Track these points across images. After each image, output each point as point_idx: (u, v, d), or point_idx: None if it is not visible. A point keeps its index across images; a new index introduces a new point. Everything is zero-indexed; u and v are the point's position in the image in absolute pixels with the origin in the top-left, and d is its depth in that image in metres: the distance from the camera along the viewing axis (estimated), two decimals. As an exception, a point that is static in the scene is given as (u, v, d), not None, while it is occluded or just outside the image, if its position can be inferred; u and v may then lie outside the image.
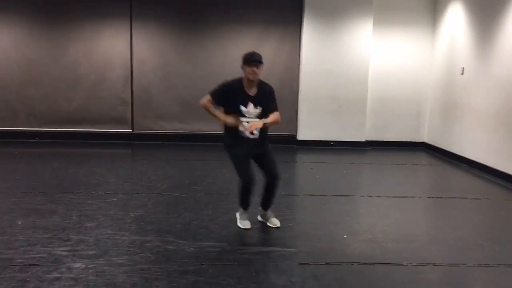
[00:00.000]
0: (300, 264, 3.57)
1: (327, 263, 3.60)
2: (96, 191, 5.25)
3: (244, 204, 4.31)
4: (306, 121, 8.68)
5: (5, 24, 8.24)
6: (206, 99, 4.16)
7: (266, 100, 4.10)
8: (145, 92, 8.64)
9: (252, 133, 4.04)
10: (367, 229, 4.39)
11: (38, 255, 3.52)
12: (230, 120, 4.07)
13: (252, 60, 4.00)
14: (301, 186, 6.29)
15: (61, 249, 3.65)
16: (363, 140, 8.78)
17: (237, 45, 8.64)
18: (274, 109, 4.12)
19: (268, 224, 4.33)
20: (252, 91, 4.09)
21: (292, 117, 8.86)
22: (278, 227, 4.27)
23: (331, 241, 4.07)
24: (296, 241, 4.04)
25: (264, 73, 8.57)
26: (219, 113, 4.13)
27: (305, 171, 7.07)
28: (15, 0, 8.20)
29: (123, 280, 3.19)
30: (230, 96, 4.08)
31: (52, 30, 8.37)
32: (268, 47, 8.64)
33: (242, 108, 4.05)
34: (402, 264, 3.62)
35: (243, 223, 4.27)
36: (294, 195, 5.60)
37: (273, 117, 4.06)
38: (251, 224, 4.29)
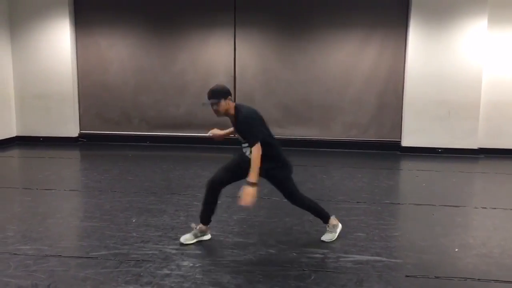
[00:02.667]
0: (406, 276, 3.40)
1: (436, 277, 3.39)
2: (201, 193, 5.39)
3: (202, 215, 3.96)
4: (411, 126, 8.30)
5: (122, 37, 8.94)
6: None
7: (242, 131, 3.73)
8: (247, 98, 8.84)
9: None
10: (481, 243, 4.07)
11: (150, 252, 3.74)
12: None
13: (207, 100, 3.69)
14: (406, 194, 6.02)
15: (170, 247, 3.85)
16: (475, 147, 8.18)
17: (339, 50, 8.55)
18: (251, 143, 3.61)
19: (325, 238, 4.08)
20: (231, 119, 3.83)
21: (396, 123, 8.54)
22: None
23: (441, 253, 3.83)
24: (402, 251, 3.86)
25: (367, 77, 8.56)
26: None
27: (410, 179, 6.75)
28: (129, 14, 8.87)
29: (228, 281, 3.28)
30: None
31: (162, 40, 8.91)
32: (371, 50, 8.44)
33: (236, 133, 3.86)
34: (523, 284, 3.30)
35: (184, 237, 3.93)
36: (398, 203, 5.37)
37: (252, 163, 3.55)
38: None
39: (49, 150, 8.27)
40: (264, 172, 3.73)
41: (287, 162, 3.96)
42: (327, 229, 4.11)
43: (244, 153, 3.84)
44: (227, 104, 3.71)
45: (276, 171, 3.85)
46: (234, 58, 8.71)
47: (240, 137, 3.82)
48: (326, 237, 4.07)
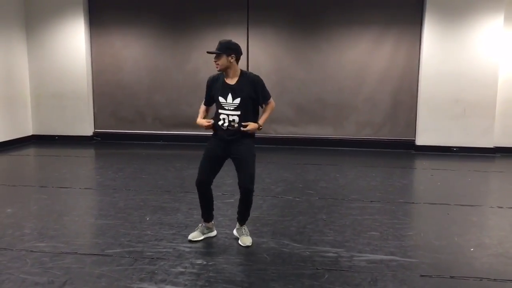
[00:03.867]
0: (421, 276, 3.38)
1: (451, 277, 3.36)
2: (214, 192, 5.44)
3: (202, 213, 4.01)
4: (426, 125, 8.22)
5: (136, 36, 9.00)
6: (200, 109, 4.04)
7: (250, 92, 3.76)
8: (260, 97, 8.85)
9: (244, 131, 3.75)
10: (497, 243, 4.02)
11: (164, 250, 3.76)
12: (201, 122, 3.90)
13: (212, 50, 3.75)
14: (420, 193, 5.97)
15: (184, 245, 3.87)
16: (491, 146, 8.07)
17: (352, 48, 8.50)
18: (266, 98, 3.88)
19: (239, 242, 3.90)
20: (232, 81, 3.79)
21: (410, 121, 8.47)
22: (247, 246, 3.83)
23: (456, 253, 3.80)
24: (416, 251, 3.83)
25: (381, 75, 8.52)
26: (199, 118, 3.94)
27: (425, 178, 6.69)
28: (143, 14, 8.92)
29: (241, 279, 3.29)
30: (212, 87, 3.87)
31: (175, 39, 8.95)
32: (385, 49, 8.38)
33: (221, 98, 3.78)
34: (540, 284, 3.26)
35: (191, 234, 3.98)
36: (413, 203, 5.32)
37: (268, 111, 3.93)
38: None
39: (65, 149, 8.37)
40: (237, 140, 3.78)
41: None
42: (246, 231, 3.99)
43: (222, 127, 3.79)
44: (228, 62, 3.73)
45: (248, 142, 3.84)
46: (247, 57, 8.71)
47: (232, 99, 3.74)
48: (247, 240, 3.90)
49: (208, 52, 3.84)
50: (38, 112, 9.16)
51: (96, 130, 9.26)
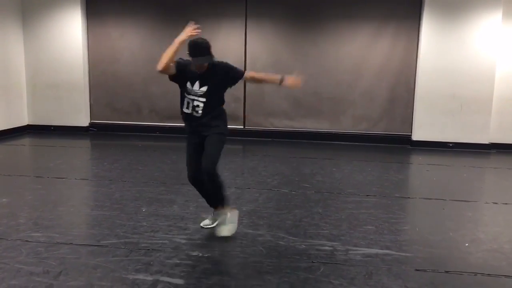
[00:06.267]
0: (416, 270, 3.39)
1: (446, 271, 3.38)
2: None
3: (206, 201, 4.09)
4: (422, 120, 8.23)
5: (133, 27, 8.94)
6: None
7: (220, 79, 3.78)
8: (257, 90, 8.84)
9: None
10: (492, 238, 4.04)
11: (160, 241, 3.76)
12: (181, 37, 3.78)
13: (192, 58, 3.67)
14: (416, 188, 5.99)
15: (180, 237, 3.87)
16: (486, 142, 8.10)
17: (350, 42, 8.49)
18: (241, 74, 3.87)
19: (219, 232, 3.85)
20: (200, 70, 3.76)
21: (407, 116, 8.48)
22: (225, 236, 3.81)
23: (451, 248, 3.81)
24: (411, 245, 3.84)
25: (378, 70, 8.52)
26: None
27: (420, 173, 6.71)
28: (140, 5, 8.85)
29: (237, 271, 3.29)
30: (182, 71, 3.80)
31: (173, 31, 8.58)
32: (382, 43, 8.37)
33: (188, 85, 3.78)
34: (534, 280, 3.28)
35: (203, 221, 4.08)
36: (408, 197, 5.34)
37: (260, 74, 4.12)
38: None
39: (60, 139, 8.33)
40: (207, 121, 3.78)
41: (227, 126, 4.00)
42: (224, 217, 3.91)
43: (190, 112, 3.80)
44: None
45: (217, 122, 3.85)
46: (245, 50, 8.68)
47: (199, 86, 3.75)
48: (225, 231, 3.87)
49: (197, 63, 3.69)
50: (34, 102, 9.10)
51: (92, 121, 9.22)
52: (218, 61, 3.83)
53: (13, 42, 8.71)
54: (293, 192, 5.29)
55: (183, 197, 4.96)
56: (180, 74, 3.81)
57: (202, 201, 4.81)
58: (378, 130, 8.62)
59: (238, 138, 8.84)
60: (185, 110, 3.85)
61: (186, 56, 3.77)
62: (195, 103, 3.78)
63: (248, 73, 4.00)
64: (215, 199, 3.95)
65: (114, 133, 8.99)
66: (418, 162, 7.38)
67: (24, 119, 9.06)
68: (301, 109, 8.79)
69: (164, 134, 8.96)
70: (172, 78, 3.88)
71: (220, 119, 3.90)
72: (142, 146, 7.97)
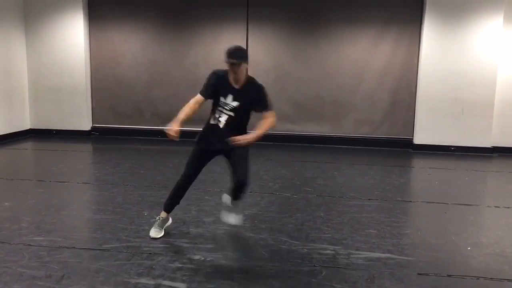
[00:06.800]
0: (419, 274, 3.39)
1: (449, 275, 3.38)
2: (212, 188, 5.49)
3: (167, 205, 4.02)
4: (424, 124, 8.23)
5: (135, 31, 8.97)
6: (192, 100, 3.88)
7: (252, 99, 3.76)
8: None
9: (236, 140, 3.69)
10: (494, 242, 4.04)
11: (162, 245, 3.76)
12: (175, 125, 3.80)
13: (229, 58, 3.65)
14: (418, 192, 5.98)
15: (182, 240, 3.88)
16: (488, 146, 8.10)
17: (352, 46, 8.50)
18: (266, 109, 3.81)
19: (225, 217, 4.04)
20: (237, 84, 3.76)
21: (409, 120, 8.48)
22: (235, 225, 4.00)
23: (453, 252, 3.81)
24: (414, 249, 3.84)
25: (380, 74, 8.52)
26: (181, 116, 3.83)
27: (422, 177, 6.71)
28: (142, 9, 8.88)
29: (239, 275, 3.29)
30: (217, 84, 3.80)
31: (175, 35, 8.92)
32: (384, 47, 8.38)
33: (222, 98, 3.77)
34: (536, 284, 3.27)
35: (153, 231, 3.93)
36: (410, 201, 5.34)
37: (265, 125, 3.79)
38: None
39: (62, 143, 8.34)
40: (225, 144, 3.75)
41: None
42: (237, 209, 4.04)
43: (215, 123, 3.82)
44: (245, 68, 3.74)
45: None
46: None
47: (232, 103, 3.75)
48: (235, 219, 4.03)
49: (232, 62, 3.66)
50: (36, 106, 9.13)
51: (94, 125, 9.24)
52: (258, 83, 3.86)
53: (15, 46, 8.75)
54: (295, 196, 5.29)
55: (185, 201, 4.92)
56: (215, 87, 3.81)
57: (204, 204, 4.85)
58: (380, 133, 8.62)
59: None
60: (211, 122, 3.87)
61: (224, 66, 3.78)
62: (223, 115, 3.79)
63: (272, 117, 3.86)
64: (237, 200, 4.02)
65: (116, 137, 9.00)
66: (420, 166, 7.38)
67: (26, 123, 9.08)
68: (302, 112, 8.79)
69: (166, 138, 8.92)
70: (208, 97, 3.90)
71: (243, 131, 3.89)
72: (144, 150, 7.98)
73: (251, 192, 5.38)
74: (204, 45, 8.85)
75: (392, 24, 8.31)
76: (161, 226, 3.99)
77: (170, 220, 4.09)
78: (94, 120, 9.26)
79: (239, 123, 3.83)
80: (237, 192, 3.88)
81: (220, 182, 5.67)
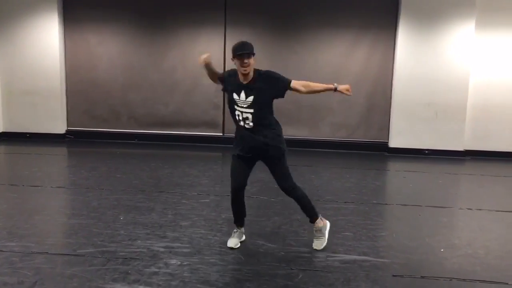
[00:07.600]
0: (393, 276, 3.44)
1: (422, 277, 3.44)
2: (189, 192, 5.46)
3: (235, 218, 4.00)
4: (399, 128, 8.36)
5: (111, 34, 8.87)
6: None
7: (266, 88, 3.70)
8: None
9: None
10: (466, 244, 4.13)
11: (138, 250, 3.73)
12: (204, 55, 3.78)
13: (241, 50, 3.62)
14: (393, 195, 6.07)
15: (158, 245, 3.84)
16: (461, 149, 8.27)
17: (328, 50, 8.59)
18: (287, 84, 3.74)
19: (314, 244, 3.93)
20: (246, 80, 3.72)
21: (384, 124, 8.60)
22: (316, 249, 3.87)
23: (427, 253, 3.88)
24: (389, 251, 3.90)
25: (356, 78, 8.61)
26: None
27: (397, 180, 6.81)
28: (119, 11, 8.79)
29: (216, 279, 3.28)
30: (227, 82, 3.84)
31: (152, 37, 8.86)
32: (360, 52, 8.49)
33: (235, 95, 3.74)
34: (506, 283, 3.36)
35: (229, 241, 3.91)
36: (385, 204, 5.42)
37: (312, 84, 3.81)
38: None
39: (36, 147, 8.18)
40: (263, 144, 3.74)
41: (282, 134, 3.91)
42: (318, 233, 3.97)
43: (242, 125, 3.78)
44: (254, 61, 3.71)
45: (274, 139, 3.80)
46: (224, 57, 8.67)
47: (245, 97, 3.69)
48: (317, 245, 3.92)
49: (240, 54, 3.63)
50: (9, 109, 8.93)
51: (69, 128, 9.08)
52: (263, 71, 3.79)
53: (-12, 48, 8.55)
54: (272, 199, 5.31)
55: (162, 205, 4.93)
56: (223, 80, 3.86)
57: (180, 208, 4.82)
58: (356, 137, 8.72)
59: (217, 145, 8.83)
60: (240, 123, 3.81)
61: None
62: (244, 115, 3.73)
63: (297, 82, 3.76)
64: (306, 210, 3.97)
65: (92, 140, 8.87)
66: (395, 169, 7.49)
67: (-2, 126, 8.89)
68: (280, 116, 8.68)
69: (143, 141, 8.89)
70: (222, 88, 3.94)
71: (274, 133, 3.82)
72: (121, 154, 7.89)
73: (228, 195, 5.35)
74: (182, 48, 8.81)
75: (368, 29, 8.42)
76: (238, 238, 3.95)
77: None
78: (69, 123, 9.10)
79: (263, 119, 3.75)
80: (294, 199, 3.90)
81: (197, 186, 5.66)
